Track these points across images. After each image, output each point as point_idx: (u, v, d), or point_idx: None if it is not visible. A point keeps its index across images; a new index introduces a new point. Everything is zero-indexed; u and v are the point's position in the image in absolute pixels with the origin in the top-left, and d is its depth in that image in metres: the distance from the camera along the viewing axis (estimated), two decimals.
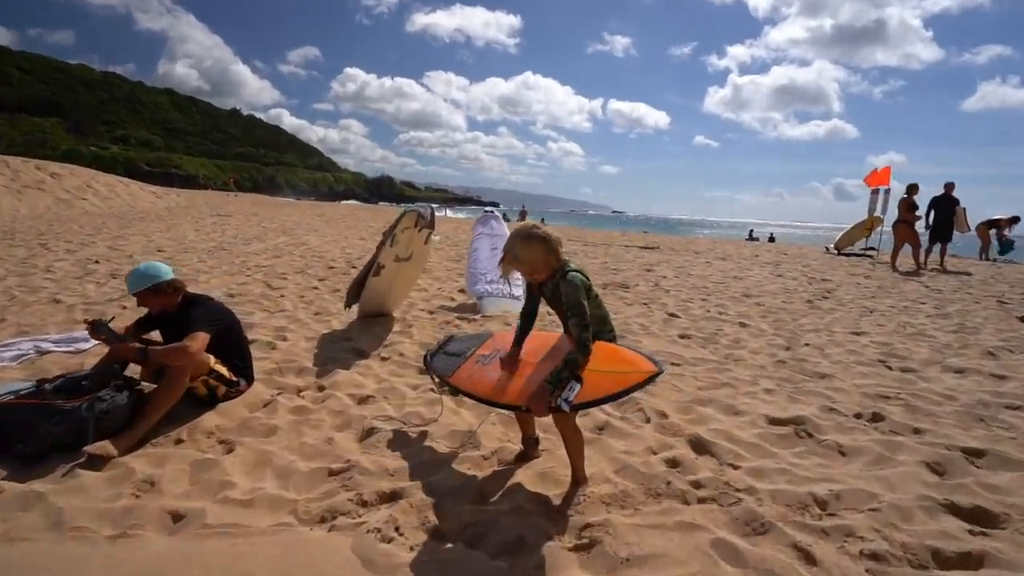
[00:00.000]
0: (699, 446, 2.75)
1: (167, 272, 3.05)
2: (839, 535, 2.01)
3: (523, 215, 34.51)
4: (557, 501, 2.23)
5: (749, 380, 3.77)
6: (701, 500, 2.26)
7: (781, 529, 2.02)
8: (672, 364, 4.10)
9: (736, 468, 2.52)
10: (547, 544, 1.94)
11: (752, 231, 31.19)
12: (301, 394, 3.36)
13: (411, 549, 1.92)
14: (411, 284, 5.62)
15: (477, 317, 5.48)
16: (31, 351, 3.97)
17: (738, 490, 2.31)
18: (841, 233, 16.10)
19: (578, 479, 2.32)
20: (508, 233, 6.56)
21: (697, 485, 2.36)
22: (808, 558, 1.88)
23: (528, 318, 2.56)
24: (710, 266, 10.77)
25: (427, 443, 2.74)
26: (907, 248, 11.19)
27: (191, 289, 3.27)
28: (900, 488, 2.34)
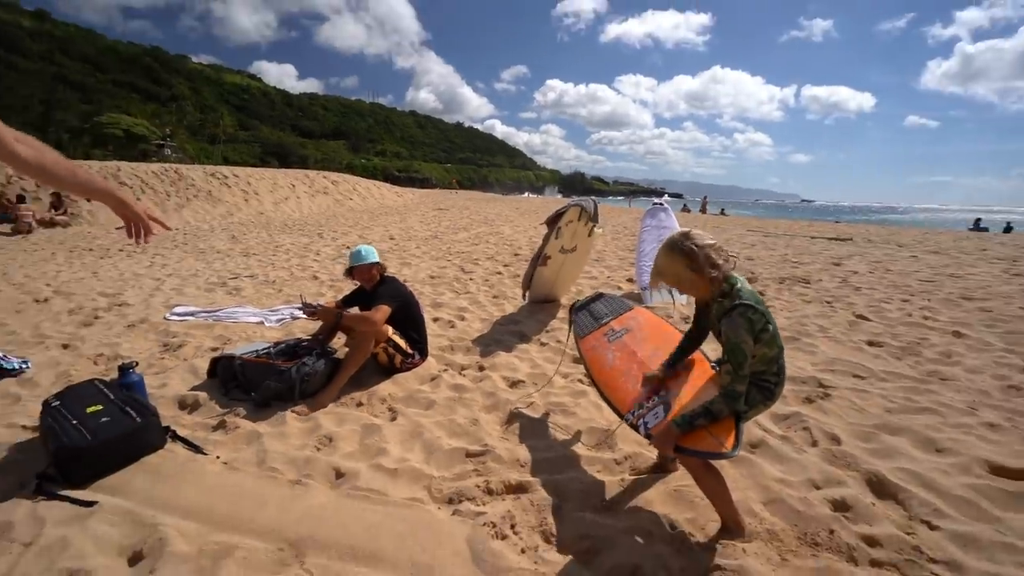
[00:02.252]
0: (880, 488, 2.02)
1: (375, 256, 3.34)
2: None
3: (703, 206, 31.76)
4: (687, 528, 1.79)
5: (962, 408, 2.73)
6: (875, 564, 1.62)
7: None
8: (854, 376, 3.20)
9: (933, 528, 1.78)
10: None
11: (979, 220, 23.93)
12: (463, 372, 3.34)
13: (521, 552, 1.70)
14: (577, 273, 5.35)
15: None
16: (288, 316, 4.65)
17: (933, 560, 1.62)
18: None
19: (729, 527, 1.75)
20: (676, 226, 5.90)
21: (872, 542, 1.71)
22: None
23: (688, 343, 2.01)
24: (917, 261, 8.49)
25: (563, 437, 2.48)
26: None
27: (405, 272, 3.50)
28: None
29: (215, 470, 2.21)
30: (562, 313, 4.79)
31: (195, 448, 2.36)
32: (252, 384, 2.87)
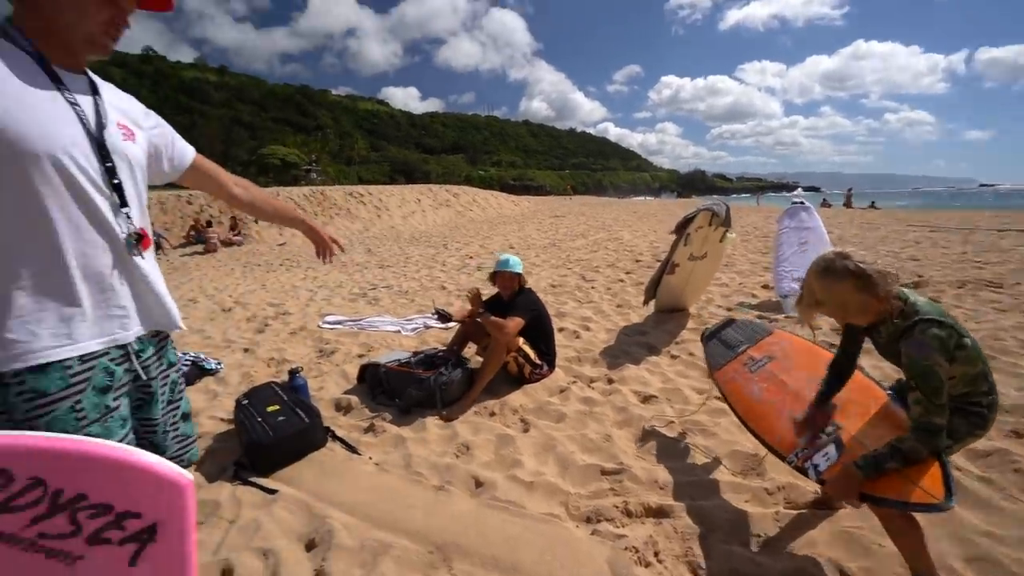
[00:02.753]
0: None
1: (520, 267, 3.45)
2: None
3: (848, 199, 28.07)
4: None
5: None
6: None
7: None
8: None
9: None
10: None
11: None
12: (592, 384, 3.31)
13: None
14: (707, 281, 5.04)
15: (780, 317, 4.57)
16: (421, 325, 4.99)
17: None
18: None
19: None
20: (820, 226, 5.29)
21: None
22: None
23: (838, 373, 1.78)
24: None
25: (705, 459, 2.33)
26: None
27: (527, 281, 3.61)
28: None
29: (369, 470, 2.43)
30: (692, 324, 4.54)
31: (351, 448, 2.62)
32: (396, 391, 3.11)
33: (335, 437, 2.72)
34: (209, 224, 14.08)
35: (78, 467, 0.81)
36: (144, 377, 1.21)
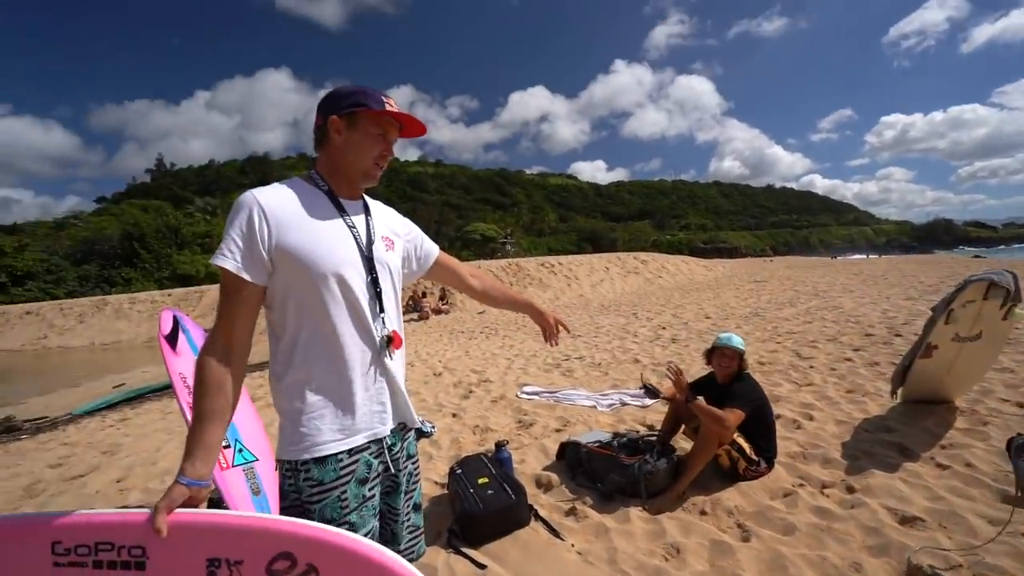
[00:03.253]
0: None
1: (742, 344, 3.17)
2: None
3: None
4: None
5: None
6: None
7: None
8: None
9: None
10: None
11: None
12: (825, 491, 2.78)
13: None
14: (984, 368, 3.94)
15: None
16: (618, 402, 4.89)
17: None
18: None
19: None
20: None
21: None
22: None
23: None
24: None
25: None
26: None
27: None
28: None
29: (572, 559, 2.38)
30: (962, 422, 3.56)
31: (554, 532, 2.62)
32: (596, 474, 3.05)
33: (538, 517, 2.76)
34: (424, 295, 16.34)
35: (345, 561, 0.96)
36: (393, 469, 1.34)
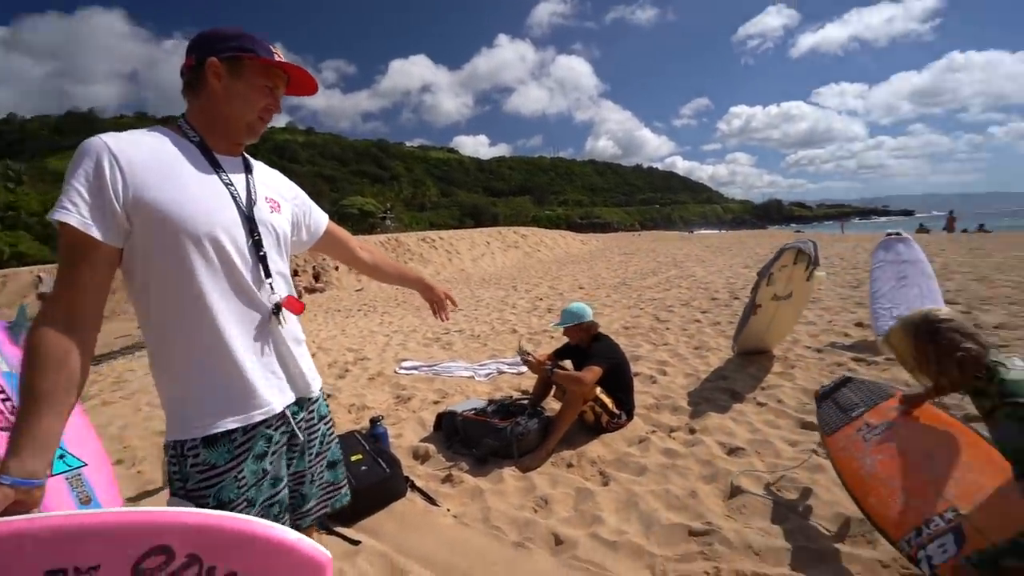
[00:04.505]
0: None
1: (589, 314, 3.41)
2: None
3: (950, 223, 25.45)
4: None
5: None
6: None
7: None
8: None
9: None
10: None
11: None
12: (672, 434, 3.15)
13: None
14: (792, 322, 4.72)
15: (879, 359, 4.16)
16: (495, 371, 5.04)
17: None
18: None
19: None
20: (921, 259, 4.83)
21: None
22: None
23: None
24: None
25: (803, 522, 2.13)
26: None
27: (598, 321, 3.57)
28: None
29: (448, 523, 2.44)
30: (778, 367, 4.25)
31: (430, 500, 2.65)
32: (472, 440, 3.14)
33: (415, 487, 2.77)
34: (295, 274, 15.24)
35: (231, 544, 0.87)
36: (303, 437, 1.24)
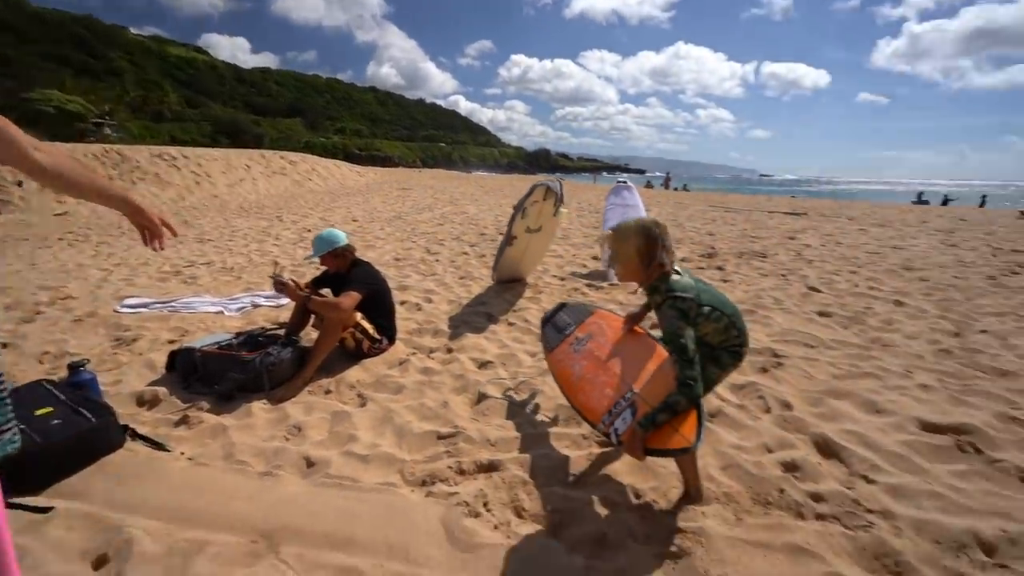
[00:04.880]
0: (826, 448, 2.17)
1: (343, 239, 3.22)
2: None
3: (667, 182, 32.21)
4: (651, 496, 1.88)
5: (900, 372, 2.94)
6: (820, 517, 1.75)
7: (924, 574, 1.48)
8: (805, 346, 3.38)
9: (871, 482, 1.93)
10: (631, 545, 1.64)
11: (921, 193, 25.33)
12: (431, 355, 3.35)
13: (495, 528, 1.75)
14: (542, 252, 5.39)
15: (604, 284, 5.10)
16: (249, 304, 4.52)
17: (870, 511, 1.76)
18: None
19: (690, 493, 1.84)
20: (639, 204, 6.00)
21: (817, 498, 1.84)
22: None
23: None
24: (865, 234, 8.91)
25: (533, 415, 2.54)
26: None
27: (370, 254, 3.42)
28: None
29: (180, 467, 2.17)
30: (529, 292, 4.84)
31: (157, 445, 2.31)
32: (214, 377, 2.80)
33: (136, 436, 2.37)
34: None
35: None
36: None
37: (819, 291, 4.82)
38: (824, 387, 2.75)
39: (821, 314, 4.10)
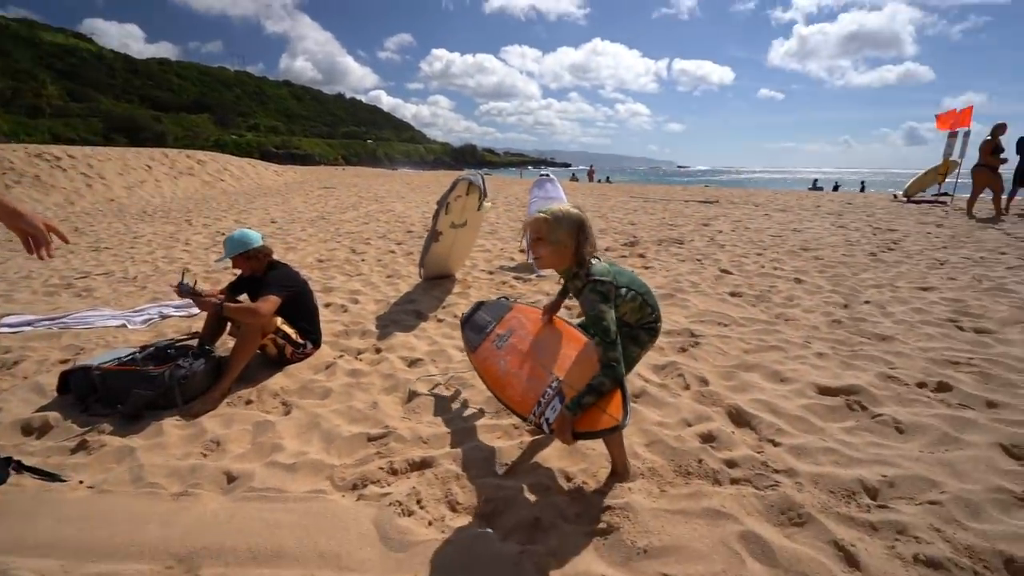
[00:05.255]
0: (739, 418, 2.34)
1: (257, 239, 3.04)
2: (890, 532, 1.60)
3: (591, 175, 33.21)
4: (581, 478, 1.95)
5: (800, 343, 3.23)
6: (734, 481, 1.89)
7: (821, 522, 1.64)
8: (719, 324, 3.62)
9: (776, 445, 2.11)
10: (563, 527, 1.69)
11: (816, 180, 27.95)
12: (359, 356, 3.26)
13: (429, 524, 1.74)
14: (469, 247, 5.38)
15: (532, 277, 5.19)
16: (156, 316, 4.17)
17: (776, 471, 1.92)
18: (911, 180, 13.91)
19: (617, 471, 1.92)
20: (562, 196, 6.14)
21: (731, 464, 1.99)
22: (850, 560, 1.50)
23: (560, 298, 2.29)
24: (769, 219, 9.68)
25: (465, 410, 2.54)
26: (988, 194, 9.43)
27: (290, 256, 3.24)
28: (968, 476, 1.85)
29: (79, 497, 1.97)
30: (458, 288, 4.82)
31: (50, 476, 2.08)
32: (117, 396, 2.55)
33: (22, 468, 2.11)
34: None
35: None
36: None
37: (730, 273, 5.18)
38: (736, 362, 2.97)
39: (732, 294, 4.42)
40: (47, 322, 4.00)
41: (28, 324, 3.95)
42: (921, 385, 2.59)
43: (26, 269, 5.98)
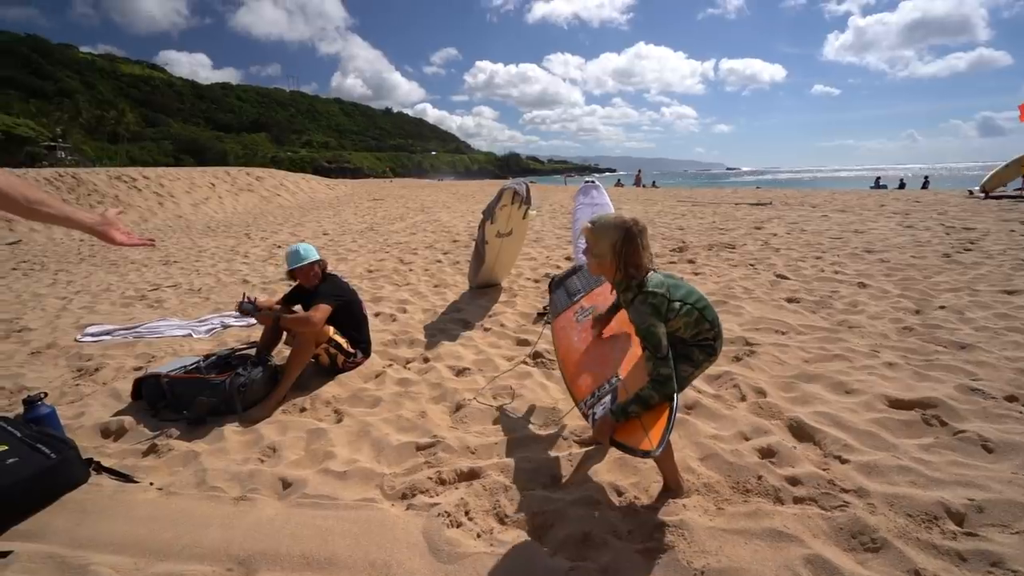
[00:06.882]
0: (800, 432, 2.20)
1: (314, 253, 3.17)
2: (981, 563, 1.45)
3: (638, 180, 32.62)
4: (633, 492, 1.88)
5: (867, 352, 3.01)
6: (797, 501, 1.78)
7: (899, 548, 1.51)
8: (776, 332, 3.44)
9: (844, 462, 1.97)
10: (614, 543, 1.63)
11: (879, 178, 26.27)
12: (408, 365, 3.31)
13: (477, 536, 1.72)
14: (515, 256, 5.38)
15: None
16: (218, 326, 4.40)
17: (845, 491, 1.79)
18: (990, 173, 12.83)
19: (670, 486, 1.85)
20: (608, 203, 6.05)
21: (794, 481, 1.87)
22: None
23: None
24: (827, 220, 9.17)
25: (512, 419, 2.52)
26: None
27: (341, 267, 3.36)
28: None
29: (149, 498, 2.09)
30: (504, 297, 4.82)
31: (124, 477, 2.22)
32: (183, 402, 2.70)
33: (101, 469, 2.27)
34: None
35: None
36: None
37: (787, 278, 4.93)
38: (796, 372, 2.80)
39: (790, 300, 4.19)
40: (123, 332, 4.29)
41: (107, 333, 4.26)
42: (1011, 399, 2.35)
43: (106, 283, 6.47)
